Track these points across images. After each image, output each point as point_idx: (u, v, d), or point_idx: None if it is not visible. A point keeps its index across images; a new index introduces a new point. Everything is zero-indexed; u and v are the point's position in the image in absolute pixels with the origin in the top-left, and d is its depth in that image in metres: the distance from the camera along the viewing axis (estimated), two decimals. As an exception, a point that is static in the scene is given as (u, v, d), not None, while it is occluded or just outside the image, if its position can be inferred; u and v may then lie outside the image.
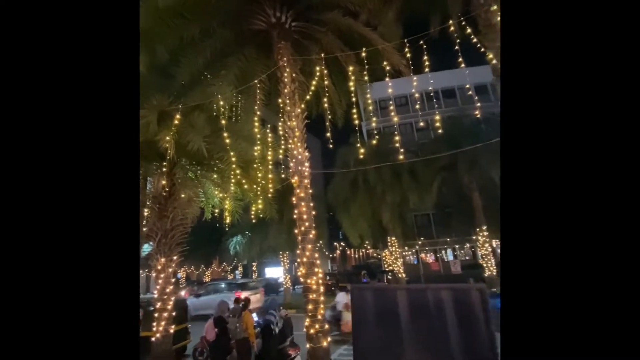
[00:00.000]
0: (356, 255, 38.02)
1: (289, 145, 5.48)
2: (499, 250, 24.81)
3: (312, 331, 4.52)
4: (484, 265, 15.14)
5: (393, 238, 16.99)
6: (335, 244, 33.95)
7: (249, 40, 6.24)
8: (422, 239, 22.67)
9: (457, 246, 24.20)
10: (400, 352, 2.40)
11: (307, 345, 4.56)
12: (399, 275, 16.69)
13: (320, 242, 22.93)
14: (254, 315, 6.20)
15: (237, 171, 5.67)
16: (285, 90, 5.63)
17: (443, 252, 25.29)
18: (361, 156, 6.88)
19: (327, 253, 31.19)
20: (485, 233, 14.96)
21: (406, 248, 22.28)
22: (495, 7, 4.51)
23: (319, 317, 4.60)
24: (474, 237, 16.16)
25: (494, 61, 4.45)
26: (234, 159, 5.38)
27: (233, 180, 5.87)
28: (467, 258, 24.18)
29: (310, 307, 4.63)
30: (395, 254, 17.31)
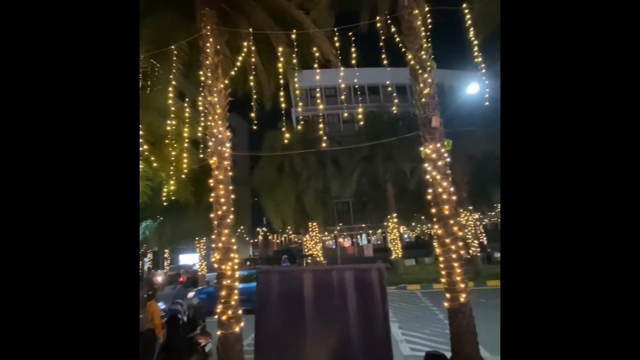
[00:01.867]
0: (278, 241, 38.30)
1: (209, 123, 5.08)
2: (405, 235, 27.93)
3: (224, 317, 4.38)
4: (392, 248, 16.85)
5: (314, 223, 17.58)
6: (258, 229, 33.55)
7: (169, 1, 5.50)
8: (340, 224, 24.02)
9: (370, 232, 26.42)
10: (302, 333, 2.49)
11: (218, 332, 4.41)
12: (318, 258, 17.43)
13: (242, 227, 22.41)
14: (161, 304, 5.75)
15: (145, 146, 5.03)
16: (207, 62, 5.16)
17: (359, 237, 27.32)
18: (286, 141, 6.82)
19: (247, 239, 30.61)
20: (395, 220, 16.59)
21: (326, 233, 23.35)
22: (416, 11, 4.86)
23: (232, 302, 4.48)
24: (385, 224, 17.80)
25: (412, 62, 4.83)
26: (141, 133, 4.75)
27: (141, 157, 5.20)
28: (379, 242, 26.62)
29: (223, 293, 4.47)
30: (316, 239, 18.00)
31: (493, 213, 20.81)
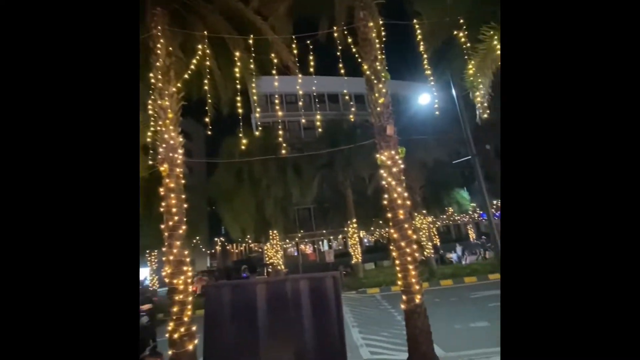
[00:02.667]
0: (237, 250, 37.05)
1: (159, 128, 4.78)
2: (365, 240, 28.60)
3: (176, 335, 4.09)
4: (352, 253, 17.14)
5: (275, 231, 17.30)
6: (215, 239, 32.17)
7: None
8: (302, 231, 23.94)
9: (331, 237, 26.66)
10: (255, 348, 2.40)
11: (170, 352, 4.11)
12: (279, 267, 17.14)
13: (198, 238, 21.34)
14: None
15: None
16: (158, 64, 4.89)
17: (320, 243, 27.41)
18: (243, 147, 6.64)
19: (204, 250, 29.18)
20: (355, 225, 16.92)
21: (287, 240, 23.10)
22: (371, 23, 5.06)
23: (186, 319, 4.20)
24: (346, 229, 18.08)
25: (367, 72, 5.00)
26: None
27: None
28: (340, 248, 26.93)
29: (175, 309, 4.18)
30: (277, 247, 17.70)
31: (444, 216, 22.18)
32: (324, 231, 24.80)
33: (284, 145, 4.96)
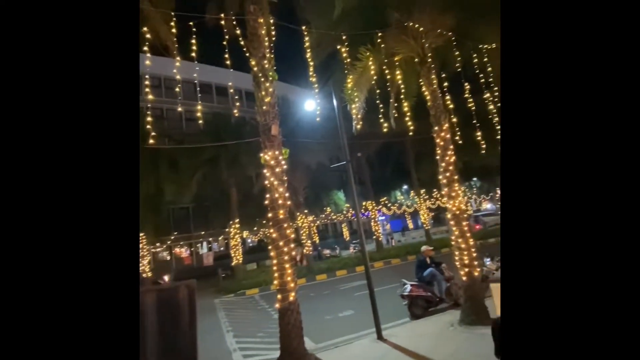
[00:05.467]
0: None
1: None
2: (248, 240, 28.07)
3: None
4: (233, 255, 16.51)
5: (142, 233, 14.99)
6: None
7: None
8: (176, 233, 21.59)
9: (211, 239, 25.05)
10: None
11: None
12: (144, 274, 14.92)
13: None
14: None
15: None
16: None
17: (199, 245, 25.35)
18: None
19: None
20: (237, 225, 16.37)
21: (158, 244, 20.41)
22: (261, 20, 4.97)
23: None
24: (228, 230, 17.30)
25: (255, 69, 4.89)
26: None
27: None
28: (221, 249, 25.56)
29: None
30: (143, 251, 15.37)
31: (323, 215, 23.99)
32: (203, 232, 23.07)
33: (153, 134, 4.29)
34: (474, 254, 5.37)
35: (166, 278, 14.52)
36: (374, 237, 20.27)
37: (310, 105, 7.80)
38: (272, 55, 5.13)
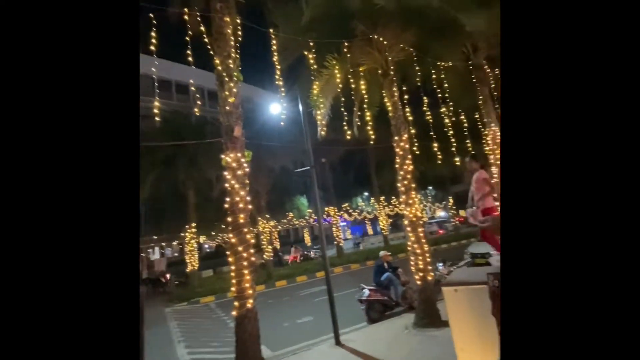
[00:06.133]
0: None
1: None
2: (205, 245, 26.88)
3: None
4: (188, 261, 15.68)
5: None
6: None
7: None
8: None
9: (164, 244, 23.59)
10: None
11: None
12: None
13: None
14: None
15: None
16: None
17: (150, 250, 23.74)
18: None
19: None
20: (194, 230, 15.62)
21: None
22: (227, 18, 4.85)
23: None
24: (183, 234, 16.43)
25: (219, 68, 4.74)
26: None
27: None
28: (176, 255, 24.16)
29: None
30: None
31: (285, 220, 23.78)
32: (156, 237, 21.67)
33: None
34: (428, 259, 5.64)
35: None
36: (335, 242, 20.50)
37: (276, 108, 7.75)
38: (237, 56, 5.02)
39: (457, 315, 2.90)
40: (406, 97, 6.46)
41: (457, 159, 7.28)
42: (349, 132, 6.27)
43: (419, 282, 5.54)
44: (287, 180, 20.72)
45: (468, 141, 7.63)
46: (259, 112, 14.62)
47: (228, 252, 4.61)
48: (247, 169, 4.76)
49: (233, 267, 4.41)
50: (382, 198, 22.19)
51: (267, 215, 18.03)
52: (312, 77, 5.78)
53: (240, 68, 5.04)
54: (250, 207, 4.74)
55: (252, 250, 4.59)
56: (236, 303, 4.33)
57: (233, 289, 4.41)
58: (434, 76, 6.60)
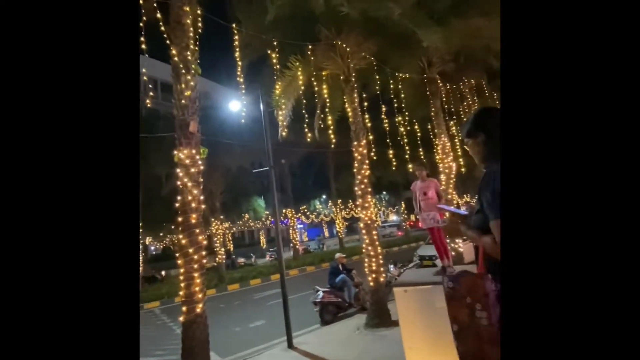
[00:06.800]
0: None
1: None
2: (151, 247, 25.06)
3: None
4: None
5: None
6: None
7: None
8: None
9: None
10: None
11: None
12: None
13: None
14: None
15: None
16: None
17: (86, 252, 21.53)
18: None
19: None
20: (140, 230, 14.50)
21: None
22: (188, 8, 4.61)
23: None
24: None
25: (176, 59, 4.48)
26: None
27: None
28: (115, 257, 22.19)
29: None
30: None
31: (241, 222, 23.11)
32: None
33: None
34: (381, 261, 5.85)
35: None
36: (292, 245, 20.39)
37: (236, 105, 7.52)
38: (196, 48, 4.78)
39: (407, 314, 3.04)
40: (366, 104, 6.68)
41: (410, 166, 7.69)
42: (310, 135, 6.29)
43: (371, 284, 5.72)
44: (245, 180, 20.15)
45: (420, 150, 8.09)
46: (217, 109, 14.06)
47: (177, 254, 4.34)
48: (201, 167, 4.53)
49: (182, 270, 4.17)
50: (339, 201, 22.61)
51: (221, 216, 17.37)
52: (275, 77, 5.71)
53: (198, 61, 4.81)
54: (203, 207, 4.52)
55: (203, 253, 4.37)
56: (184, 308, 4.09)
57: (181, 293, 4.16)
58: (392, 86, 6.91)
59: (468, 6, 6.40)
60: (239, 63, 5.28)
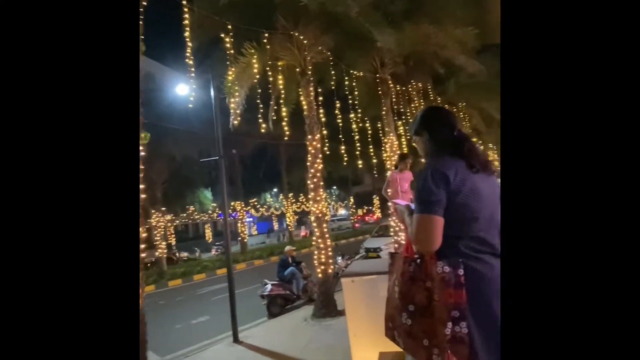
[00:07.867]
0: None
1: None
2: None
3: None
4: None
5: None
6: None
7: None
8: None
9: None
10: None
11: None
12: None
13: None
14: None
15: None
16: None
17: None
18: None
19: None
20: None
21: None
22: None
23: None
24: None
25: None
26: None
27: None
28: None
29: None
30: None
31: (185, 214, 21.82)
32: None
33: None
34: (330, 253, 6.00)
35: None
36: (239, 238, 19.87)
37: (183, 89, 7.03)
38: (141, 22, 4.35)
39: (353, 303, 3.17)
40: (321, 98, 6.73)
41: (359, 162, 7.95)
42: (263, 126, 6.16)
43: (320, 275, 5.84)
44: (190, 170, 19.02)
45: (371, 147, 8.43)
46: (163, 92, 12.98)
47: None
48: (142, 153, 4.17)
49: (117, 265, 3.82)
50: (290, 195, 22.56)
51: (163, 208, 16.23)
52: (228, 62, 5.45)
53: (142, 37, 4.38)
54: (142, 196, 4.17)
55: (141, 246, 4.05)
56: (118, 306, 3.76)
57: (115, 289, 3.81)
58: (346, 83, 7.05)
59: (420, 13, 6.77)
60: (189, 44, 4.93)
